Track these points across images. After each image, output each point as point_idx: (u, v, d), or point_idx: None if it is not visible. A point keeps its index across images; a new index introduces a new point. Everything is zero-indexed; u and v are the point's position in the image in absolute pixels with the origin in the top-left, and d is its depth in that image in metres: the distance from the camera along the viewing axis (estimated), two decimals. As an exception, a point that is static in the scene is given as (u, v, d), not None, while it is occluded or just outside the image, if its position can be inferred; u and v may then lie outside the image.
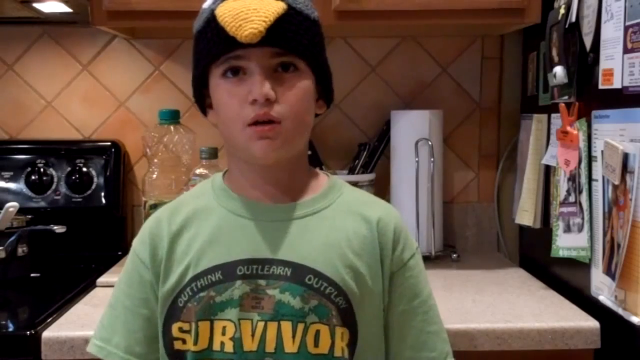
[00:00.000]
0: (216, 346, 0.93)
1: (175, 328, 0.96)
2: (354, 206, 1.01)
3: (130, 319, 0.99)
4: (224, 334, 0.93)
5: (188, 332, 0.95)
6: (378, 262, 0.98)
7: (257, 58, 0.92)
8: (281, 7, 0.91)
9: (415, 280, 1.01)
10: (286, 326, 0.92)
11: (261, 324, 0.93)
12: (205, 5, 0.96)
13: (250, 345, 0.92)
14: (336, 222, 0.99)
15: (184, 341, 0.95)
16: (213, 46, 0.93)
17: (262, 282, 0.94)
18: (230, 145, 0.99)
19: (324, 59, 1.00)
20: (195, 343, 0.94)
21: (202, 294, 0.94)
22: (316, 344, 0.93)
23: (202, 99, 1.00)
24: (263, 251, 0.95)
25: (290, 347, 0.92)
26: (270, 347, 0.92)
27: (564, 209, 1.37)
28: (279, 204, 0.99)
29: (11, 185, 1.76)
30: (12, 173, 1.77)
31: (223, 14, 0.90)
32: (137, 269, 1.00)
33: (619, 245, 1.15)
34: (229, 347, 0.93)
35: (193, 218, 1.00)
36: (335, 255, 0.96)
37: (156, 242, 0.99)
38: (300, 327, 0.93)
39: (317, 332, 0.93)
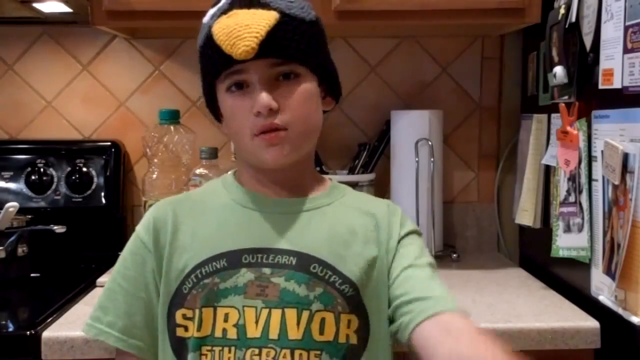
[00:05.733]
0: (218, 333, 0.94)
1: (179, 315, 0.96)
2: (356, 203, 1.05)
3: (129, 301, 0.99)
4: (226, 320, 0.94)
5: (191, 319, 0.96)
6: (383, 248, 1.00)
7: (256, 70, 0.93)
8: (273, 17, 0.92)
9: (416, 247, 1.02)
10: (291, 313, 0.94)
11: (265, 311, 0.94)
12: (205, 20, 0.98)
13: (253, 332, 0.93)
14: (339, 216, 1.02)
15: (186, 328, 0.96)
16: (213, 63, 0.95)
17: (267, 270, 0.95)
18: (241, 153, 1.02)
19: (325, 58, 1.01)
20: (198, 329, 0.95)
21: (206, 281, 0.95)
22: (321, 332, 0.94)
23: (216, 109, 1.02)
24: (268, 241, 0.97)
25: (294, 333, 0.93)
26: (273, 333, 0.93)
27: (564, 209, 1.37)
28: (285, 198, 1.01)
29: (11, 185, 1.76)
30: (12, 173, 1.77)
31: (217, 32, 0.92)
32: (140, 253, 1.00)
33: (619, 245, 1.15)
34: (232, 334, 0.94)
35: (198, 207, 1.02)
36: (339, 245, 0.98)
37: (159, 227, 1.00)
38: (305, 314, 0.94)
39: (323, 320, 0.94)
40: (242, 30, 0.90)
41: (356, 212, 1.03)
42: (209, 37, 0.94)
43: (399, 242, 1.01)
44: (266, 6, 0.93)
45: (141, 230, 1.02)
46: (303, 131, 0.97)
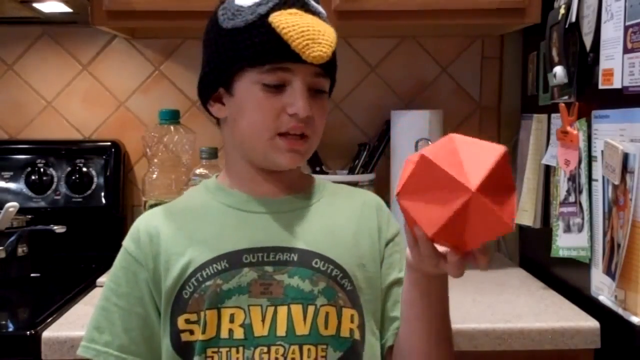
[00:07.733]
0: (224, 334, 0.94)
1: (181, 320, 0.96)
2: (341, 196, 1.07)
3: (125, 318, 0.98)
4: (232, 321, 0.94)
5: (196, 322, 0.95)
6: (374, 242, 1.03)
7: (303, 74, 0.95)
8: (334, 32, 0.96)
9: (401, 255, 1.03)
10: (296, 309, 0.94)
11: (271, 309, 0.94)
12: (244, 3, 0.96)
13: (260, 330, 0.94)
14: (332, 211, 1.03)
15: (191, 332, 0.96)
16: (261, 52, 0.94)
17: (270, 268, 0.96)
18: (244, 149, 1.00)
19: None
20: (204, 332, 0.94)
21: (208, 283, 0.95)
22: (326, 326, 0.95)
23: (208, 92, 1.01)
24: (266, 240, 0.98)
25: (301, 329, 0.94)
26: (281, 330, 0.94)
27: (564, 209, 1.37)
28: (277, 198, 1.02)
29: (11, 185, 1.76)
30: (12, 173, 1.77)
31: (286, 27, 0.92)
32: (131, 268, 1.00)
33: (619, 245, 1.15)
34: (238, 334, 0.94)
35: (190, 214, 1.02)
36: (335, 240, 1.00)
37: (151, 238, 0.99)
38: (311, 309, 0.95)
39: (327, 314, 0.95)
40: (317, 35, 0.93)
41: (345, 205, 1.05)
42: (258, 24, 0.93)
43: (387, 244, 1.04)
44: (317, 14, 0.97)
45: (129, 244, 1.01)
46: (315, 145, 1.01)
